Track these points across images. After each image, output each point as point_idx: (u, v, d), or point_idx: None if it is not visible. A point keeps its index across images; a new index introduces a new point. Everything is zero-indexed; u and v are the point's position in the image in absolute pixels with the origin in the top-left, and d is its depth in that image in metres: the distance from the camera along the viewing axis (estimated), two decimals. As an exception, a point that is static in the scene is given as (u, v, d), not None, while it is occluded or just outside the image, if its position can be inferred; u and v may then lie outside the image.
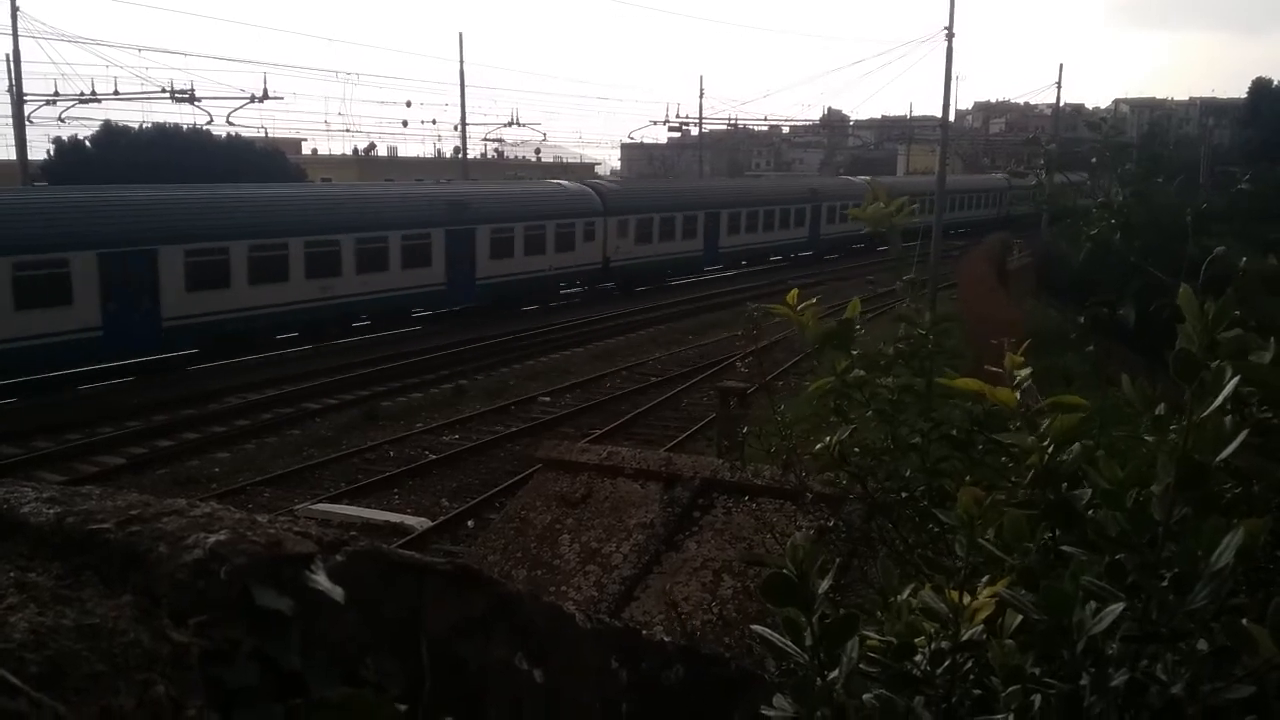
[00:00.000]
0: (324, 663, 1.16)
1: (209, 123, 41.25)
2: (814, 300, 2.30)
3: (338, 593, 1.17)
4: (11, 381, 21.72)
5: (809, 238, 53.53)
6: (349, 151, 70.49)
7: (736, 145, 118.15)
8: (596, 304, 37.53)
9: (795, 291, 2.31)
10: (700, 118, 62.45)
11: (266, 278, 26.76)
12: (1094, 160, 3.33)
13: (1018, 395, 1.67)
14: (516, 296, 35.22)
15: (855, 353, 2.40)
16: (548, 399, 23.39)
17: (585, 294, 39.08)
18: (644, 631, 1.99)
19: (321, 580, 1.17)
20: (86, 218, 23.72)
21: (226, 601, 1.13)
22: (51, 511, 1.23)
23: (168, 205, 25.76)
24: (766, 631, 1.36)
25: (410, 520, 15.31)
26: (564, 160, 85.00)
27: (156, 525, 1.23)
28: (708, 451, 15.72)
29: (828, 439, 2.53)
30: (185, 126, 45.95)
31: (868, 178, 61.07)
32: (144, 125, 46.29)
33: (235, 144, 47.15)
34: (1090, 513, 1.56)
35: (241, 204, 27.63)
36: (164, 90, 37.07)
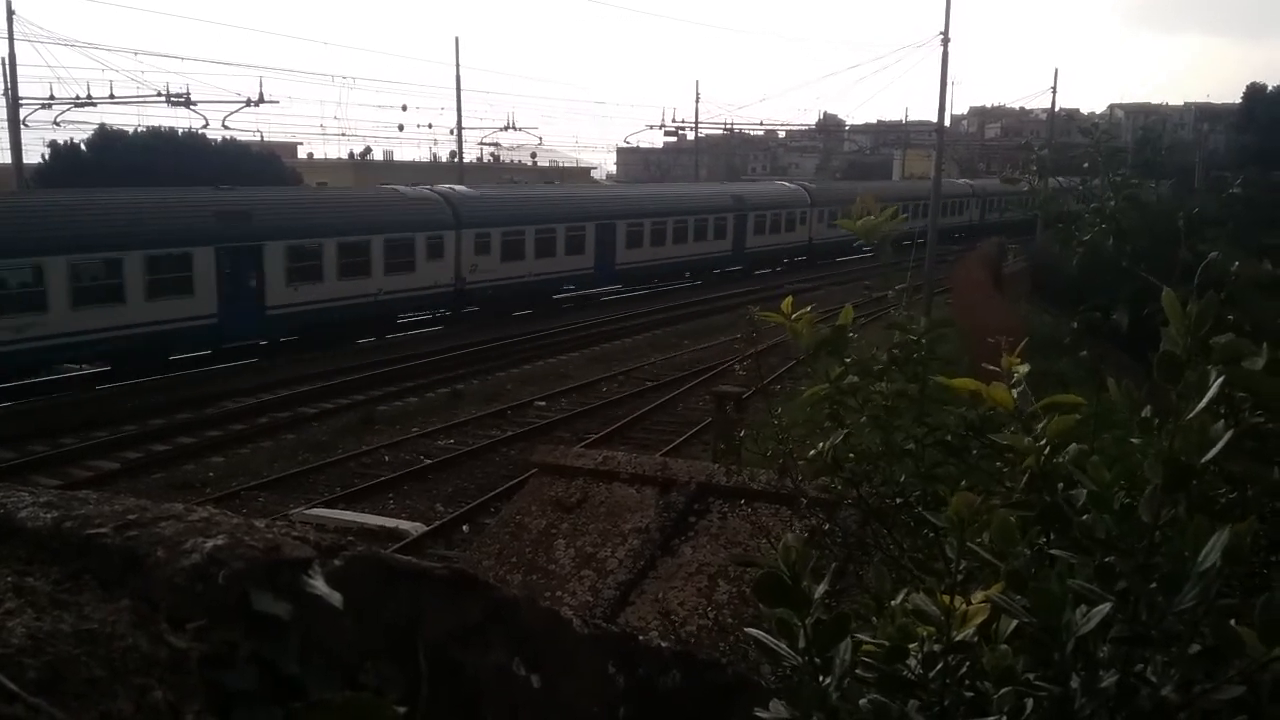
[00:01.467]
0: (322, 667, 1.17)
1: (205, 127, 41.28)
2: (808, 308, 2.31)
3: (335, 597, 1.18)
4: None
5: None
6: (345, 155, 70.42)
7: (733, 150, 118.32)
8: (592, 309, 37.51)
9: (790, 299, 2.32)
10: (696, 122, 62.51)
11: (353, 273, 29.06)
12: (1087, 165, 3.34)
13: (1014, 395, 1.68)
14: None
15: (849, 360, 2.41)
16: (543, 403, 23.38)
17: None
18: (640, 637, 2.00)
19: (319, 585, 1.18)
20: (204, 215, 25.90)
21: (225, 606, 1.14)
22: (49, 516, 1.23)
23: (271, 205, 28.47)
24: (760, 634, 1.37)
25: (405, 525, 15.29)
26: (560, 164, 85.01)
27: (154, 530, 1.24)
28: (703, 456, 15.73)
29: (822, 444, 2.54)
30: (181, 130, 45.95)
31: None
32: (139, 129, 46.27)
33: (231, 148, 47.14)
34: (1085, 516, 1.57)
35: (331, 205, 30.82)
36: (160, 94, 37.05)
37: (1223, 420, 1.33)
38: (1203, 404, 1.26)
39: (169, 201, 26.27)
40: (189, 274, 25.19)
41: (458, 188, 36.02)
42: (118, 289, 23.87)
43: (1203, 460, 1.28)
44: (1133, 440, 1.66)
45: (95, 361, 24.50)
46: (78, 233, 23.18)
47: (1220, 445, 1.27)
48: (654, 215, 41.78)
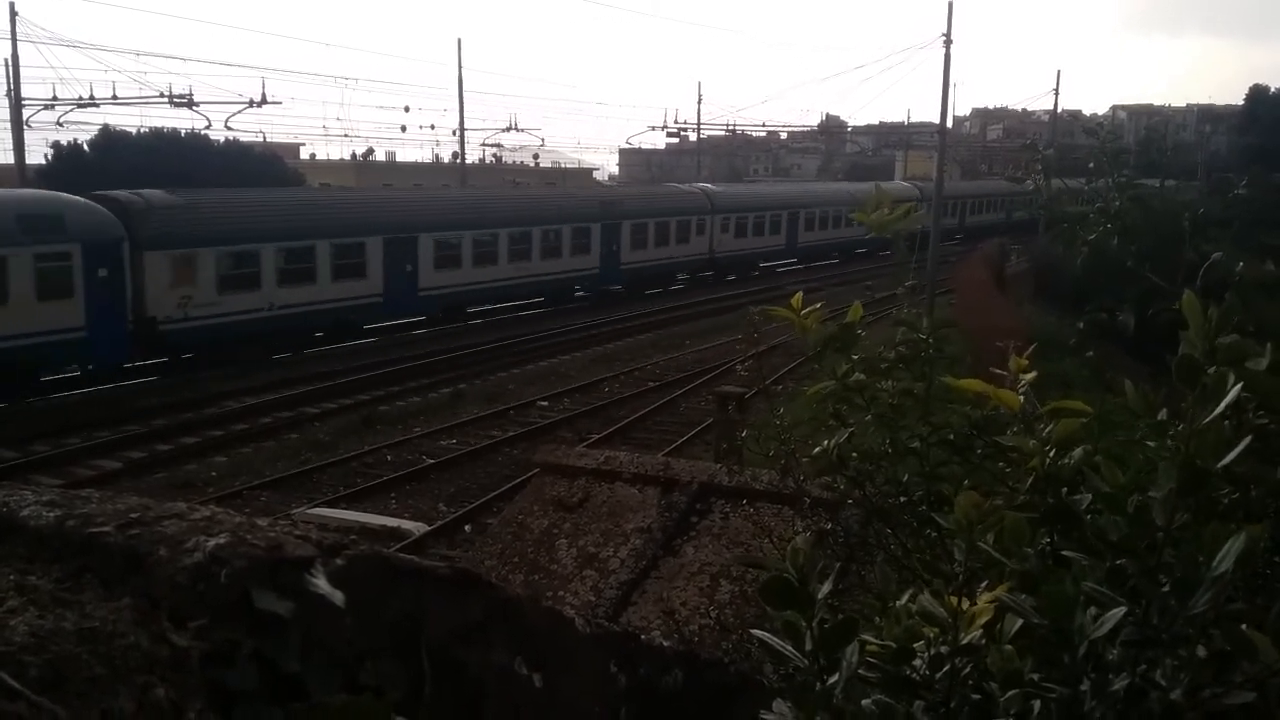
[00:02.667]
0: (324, 666, 1.16)
1: (207, 127, 41.30)
2: (818, 305, 2.32)
3: (337, 596, 1.17)
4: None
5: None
6: (347, 156, 70.46)
7: (735, 151, 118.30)
8: (596, 309, 37.49)
9: (799, 295, 2.32)
10: (699, 123, 62.51)
11: (484, 261, 33.40)
12: (1091, 165, 3.34)
13: (1021, 398, 1.67)
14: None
15: (856, 357, 2.40)
16: (545, 403, 23.37)
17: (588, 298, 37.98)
18: (642, 636, 1.99)
19: (321, 584, 1.17)
20: (375, 210, 30.94)
21: (227, 605, 1.13)
22: (51, 515, 1.23)
23: (424, 202, 34.47)
24: (766, 635, 1.37)
25: (407, 525, 15.29)
26: (563, 165, 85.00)
27: (156, 529, 1.23)
28: (705, 456, 15.73)
29: (826, 443, 2.54)
30: (184, 131, 45.97)
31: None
32: (142, 130, 46.29)
33: (233, 149, 47.16)
34: (1089, 517, 1.56)
35: (468, 204, 35.19)
36: (162, 95, 37.10)
37: (1228, 422, 1.32)
38: (1220, 408, 1.26)
39: (350, 199, 33.19)
40: (363, 260, 29.20)
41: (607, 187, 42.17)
42: (311, 271, 27.75)
43: (1219, 465, 1.27)
44: (1136, 442, 1.66)
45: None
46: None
47: (1239, 450, 1.27)
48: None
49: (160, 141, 45.52)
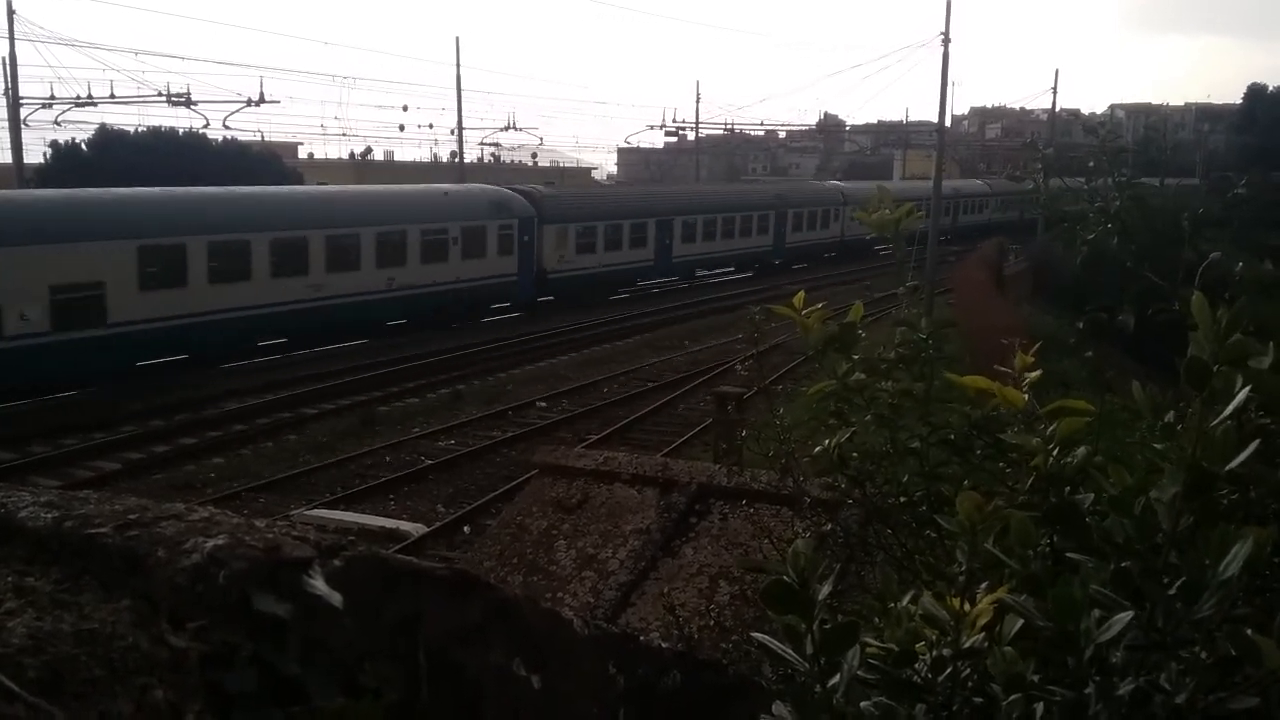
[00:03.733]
0: (322, 668, 1.16)
1: (205, 126, 41.31)
2: (820, 305, 2.32)
3: (336, 598, 1.17)
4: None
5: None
6: (345, 155, 70.45)
7: (733, 150, 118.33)
8: (595, 309, 37.52)
9: (801, 294, 2.33)
10: (697, 123, 62.52)
11: (708, 238, 44.78)
12: (1091, 164, 3.33)
13: (1026, 396, 1.67)
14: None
15: (856, 357, 2.40)
16: (544, 404, 23.37)
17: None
18: (641, 638, 1.99)
19: (319, 585, 1.17)
20: (642, 200, 43.42)
21: (225, 606, 1.13)
22: (49, 516, 1.23)
23: (679, 195, 46.28)
24: (767, 639, 1.36)
25: (406, 526, 15.28)
26: (561, 165, 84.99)
27: (155, 530, 1.23)
28: (704, 457, 15.73)
29: (827, 441, 2.53)
30: (182, 130, 45.93)
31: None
32: (140, 129, 46.24)
33: (231, 148, 47.13)
34: (1090, 518, 1.56)
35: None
36: (160, 94, 37.09)
37: (1232, 423, 1.32)
38: (1229, 410, 1.25)
39: (637, 194, 46.08)
40: (645, 235, 40.62)
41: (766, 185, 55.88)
42: (620, 242, 39.49)
43: (1230, 468, 1.27)
44: (1137, 443, 1.65)
45: (612, 285, 39.50)
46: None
47: (1247, 453, 1.26)
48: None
49: (158, 141, 45.49)
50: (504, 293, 34.27)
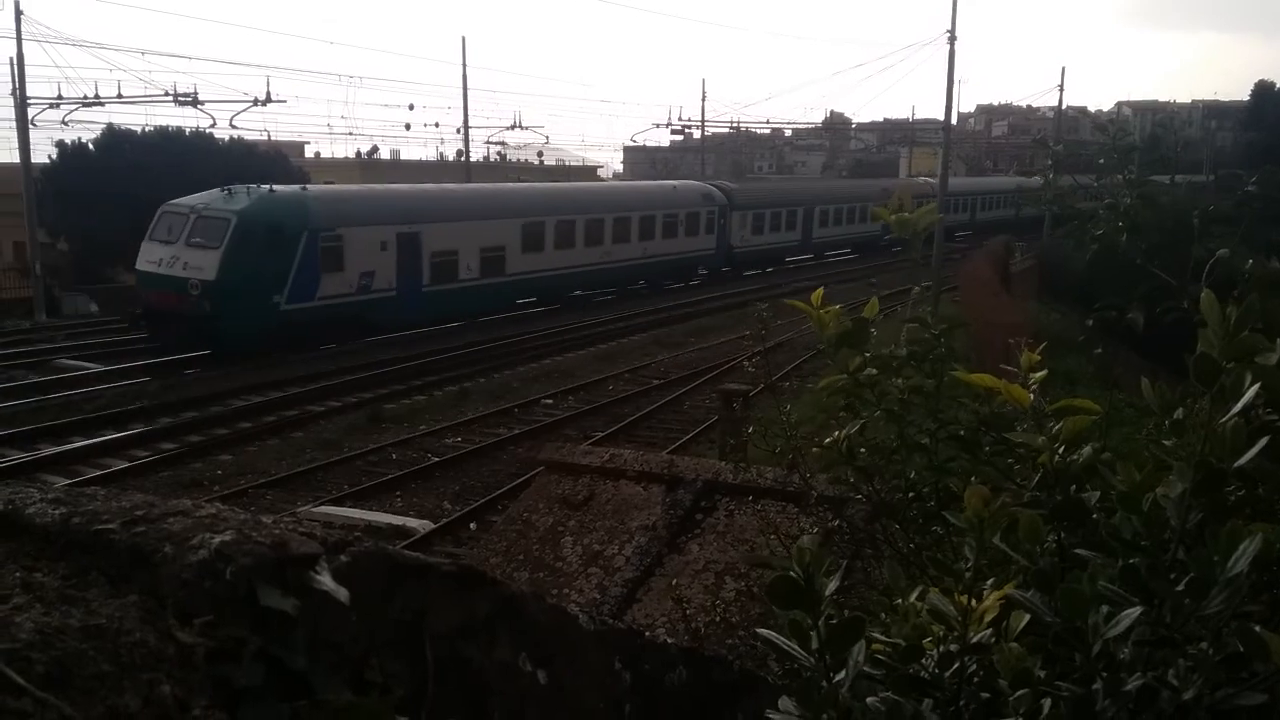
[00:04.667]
0: (329, 663, 1.16)
1: (212, 126, 41.34)
2: (837, 307, 2.33)
3: (342, 593, 1.17)
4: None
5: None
6: (352, 154, 70.52)
7: (739, 149, 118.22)
8: (599, 307, 37.56)
9: (820, 291, 2.34)
10: (703, 121, 62.46)
11: (777, 229, 50.23)
12: (1101, 162, 3.32)
13: (1032, 395, 1.67)
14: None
15: (868, 354, 2.40)
16: (550, 401, 23.37)
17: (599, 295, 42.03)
18: (646, 634, 1.99)
19: (326, 581, 1.17)
20: (794, 193, 54.18)
21: (232, 602, 1.13)
22: (57, 512, 1.23)
23: (739, 190, 48.84)
24: (773, 635, 1.36)
25: (413, 522, 15.29)
26: (567, 163, 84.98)
27: (162, 526, 1.23)
28: (710, 454, 15.71)
29: (837, 434, 2.53)
30: (188, 130, 45.99)
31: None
32: (147, 129, 46.30)
33: (238, 147, 47.18)
34: (1096, 515, 1.56)
35: (772, 189, 55.50)
36: (167, 93, 37.14)
37: (1239, 419, 1.31)
38: (1238, 407, 1.25)
39: (769, 189, 56.49)
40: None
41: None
42: (763, 228, 48.56)
43: (1237, 465, 1.26)
44: (1143, 440, 1.65)
45: (767, 261, 48.69)
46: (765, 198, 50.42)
47: (1256, 450, 1.26)
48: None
49: (165, 140, 45.51)
50: (707, 261, 45.31)
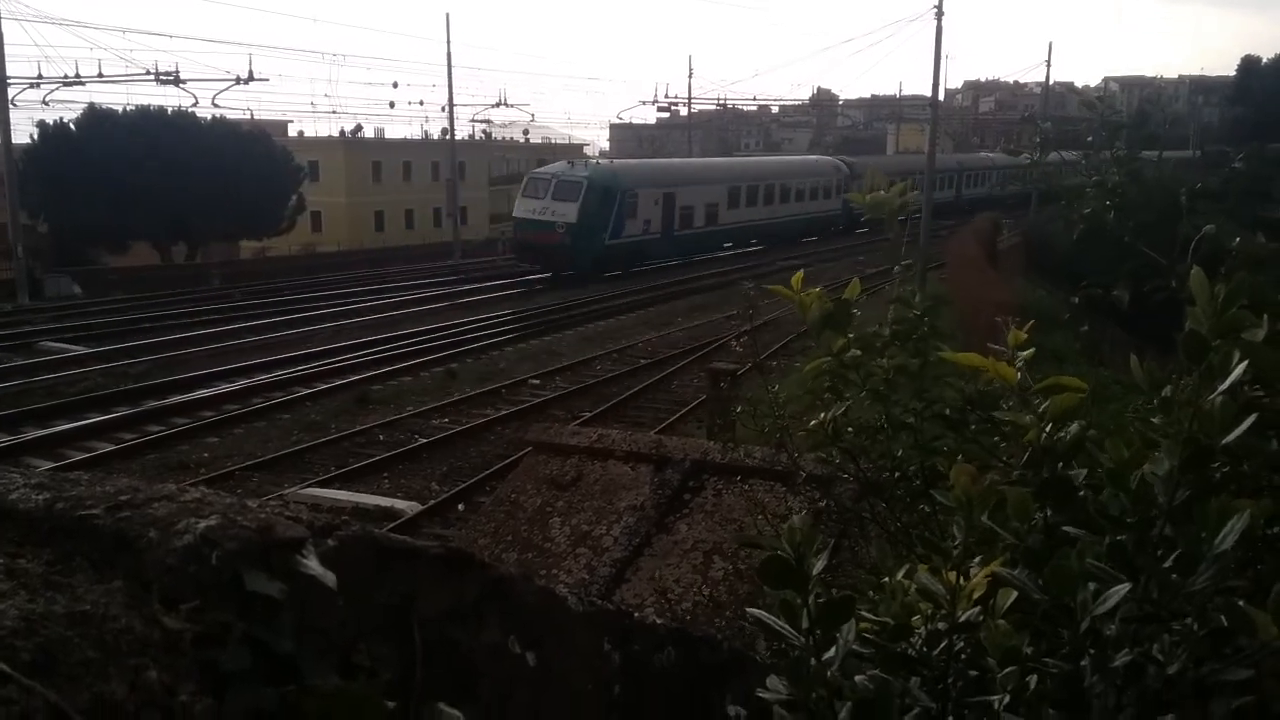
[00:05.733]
0: (316, 648, 1.15)
1: (194, 105, 41.08)
2: (818, 289, 2.32)
3: (329, 577, 1.17)
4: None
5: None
6: (335, 133, 70.03)
7: (726, 126, 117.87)
8: (586, 286, 37.52)
9: (800, 274, 2.33)
10: (689, 98, 62.28)
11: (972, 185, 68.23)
12: (1090, 139, 3.32)
13: (1019, 373, 1.67)
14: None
15: (851, 335, 2.40)
16: (538, 382, 23.37)
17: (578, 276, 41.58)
18: (635, 614, 1.99)
19: (313, 565, 1.16)
20: (892, 164, 59.38)
21: (218, 586, 1.12)
22: (41, 498, 1.22)
23: (903, 161, 59.39)
24: (763, 614, 1.36)
25: (400, 504, 15.30)
26: (553, 141, 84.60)
27: (147, 511, 1.22)
28: (698, 433, 15.74)
29: (822, 415, 2.54)
30: (170, 109, 45.60)
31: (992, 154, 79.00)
32: (128, 108, 45.88)
33: (220, 126, 46.81)
34: (1083, 492, 1.56)
35: (889, 161, 66.16)
36: (148, 72, 36.83)
37: (1226, 396, 1.32)
38: (1226, 384, 1.25)
39: (820, 162, 61.09)
40: (829, 191, 55.07)
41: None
42: (818, 195, 55.74)
43: (1224, 441, 1.27)
44: (1130, 417, 1.65)
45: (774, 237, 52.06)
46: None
47: (1245, 427, 1.26)
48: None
49: (147, 120, 45.14)
50: (835, 221, 55.61)
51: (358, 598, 1.21)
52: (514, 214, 41.79)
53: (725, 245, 48.72)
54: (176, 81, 36.92)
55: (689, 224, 45.53)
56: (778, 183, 52.76)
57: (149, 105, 46.10)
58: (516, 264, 42.42)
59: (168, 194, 42.13)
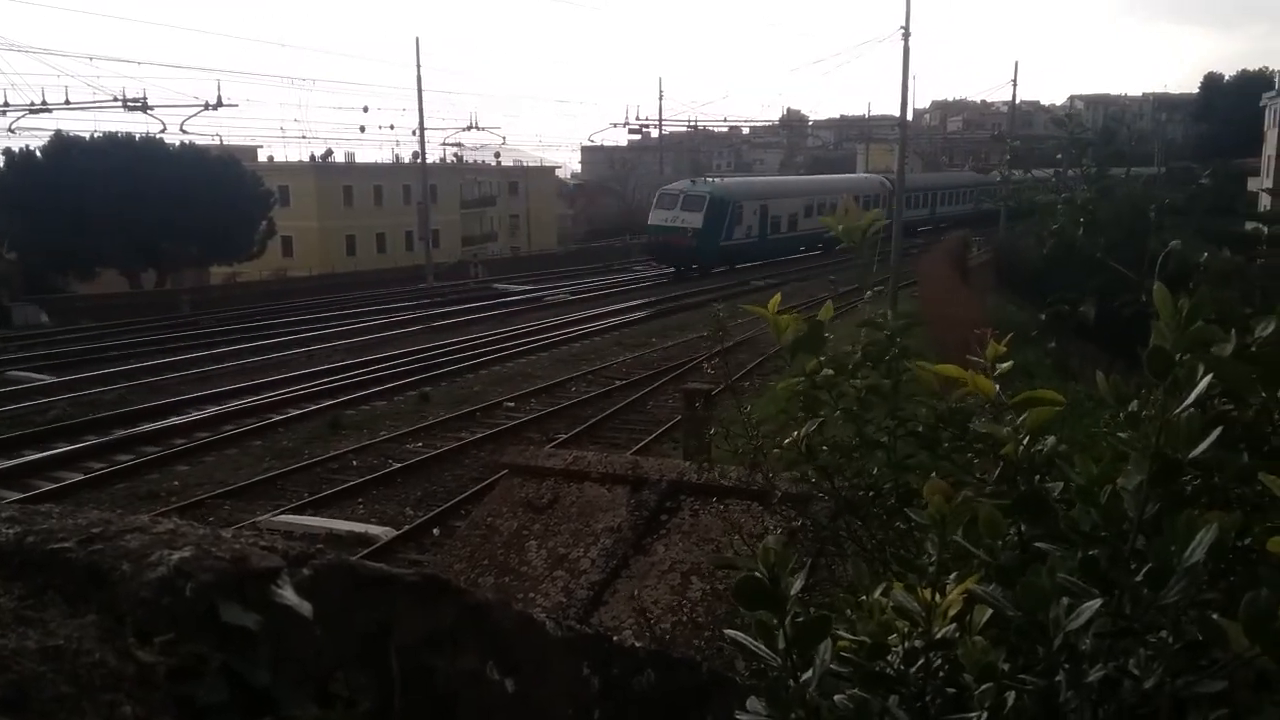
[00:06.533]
0: (293, 678, 1.15)
1: (162, 131, 40.78)
2: (793, 310, 2.34)
3: (305, 607, 1.16)
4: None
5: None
6: (305, 158, 69.77)
7: (697, 147, 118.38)
8: (558, 308, 37.51)
9: (778, 296, 2.34)
10: (660, 119, 62.57)
11: (920, 206, 67.72)
12: (1059, 156, 3.36)
13: (996, 386, 1.68)
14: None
15: (823, 357, 2.41)
16: (512, 404, 23.30)
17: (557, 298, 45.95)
18: (614, 637, 1.99)
19: (289, 595, 1.16)
20: (924, 182, 72.38)
21: (192, 619, 1.11)
22: (11, 531, 1.20)
23: (933, 180, 69.95)
24: (740, 635, 1.36)
25: (375, 530, 15.18)
26: (524, 164, 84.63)
27: (119, 543, 1.21)
28: (674, 454, 15.73)
29: (796, 433, 2.54)
30: (138, 136, 45.29)
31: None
32: (96, 135, 45.54)
33: (189, 153, 46.53)
34: (1058, 507, 1.57)
35: (919, 181, 70.62)
36: (116, 99, 36.59)
37: (1194, 410, 1.33)
38: (1191, 399, 1.27)
39: (870, 179, 69.68)
40: (877, 202, 57.62)
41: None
42: (863, 207, 58.33)
43: (1192, 455, 1.28)
44: (1101, 432, 1.67)
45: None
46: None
47: (1211, 440, 1.28)
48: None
49: (114, 146, 44.82)
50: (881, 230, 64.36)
51: (334, 627, 1.20)
52: (649, 222, 53.81)
53: (800, 249, 59.01)
54: (144, 108, 36.69)
55: (777, 230, 57.72)
56: (835, 196, 63.12)
57: (116, 132, 45.79)
58: (489, 283, 50.88)
59: (136, 221, 41.83)
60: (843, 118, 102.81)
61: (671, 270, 53.71)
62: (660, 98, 64.76)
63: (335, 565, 1.24)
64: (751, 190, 58.50)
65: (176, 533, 1.23)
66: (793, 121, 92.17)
